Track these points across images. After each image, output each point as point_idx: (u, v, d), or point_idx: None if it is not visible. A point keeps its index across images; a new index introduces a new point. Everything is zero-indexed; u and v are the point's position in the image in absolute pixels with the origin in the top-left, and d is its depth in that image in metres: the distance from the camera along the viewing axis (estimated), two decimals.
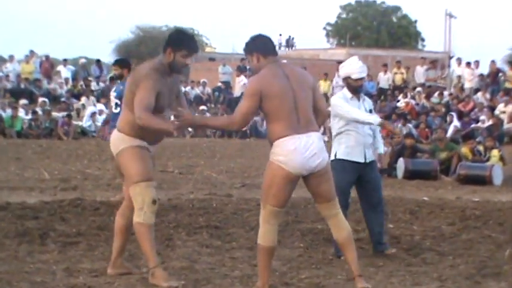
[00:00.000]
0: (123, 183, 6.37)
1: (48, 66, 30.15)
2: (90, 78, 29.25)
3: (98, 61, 32.16)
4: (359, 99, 7.51)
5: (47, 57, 30.85)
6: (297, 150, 5.67)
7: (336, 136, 7.46)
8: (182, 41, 6.03)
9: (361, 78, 7.45)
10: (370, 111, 7.56)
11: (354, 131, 7.38)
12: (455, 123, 23.72)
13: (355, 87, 7.44)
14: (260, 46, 5.85)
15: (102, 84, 28.95)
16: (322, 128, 23.61)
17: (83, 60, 33.07)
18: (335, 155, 7.38)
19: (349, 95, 7.47)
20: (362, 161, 7.41)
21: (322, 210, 5.91)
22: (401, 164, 14.77)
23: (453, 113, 24.47)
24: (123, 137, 6.10)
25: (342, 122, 7.38)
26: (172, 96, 6.18)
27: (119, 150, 6.10)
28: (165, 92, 6.01)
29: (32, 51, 29.96)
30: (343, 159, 7.37)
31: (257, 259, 5.88)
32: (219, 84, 31.38)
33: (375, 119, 7.34)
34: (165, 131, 5.95)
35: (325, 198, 5.85)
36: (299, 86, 5.77)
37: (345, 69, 7.51)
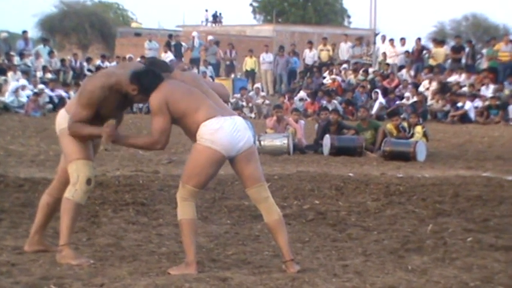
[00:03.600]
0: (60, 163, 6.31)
1: None
2: (12, 53, 28.52)
3: (25, 32, 30.67)
4: None
5: None
6: (223, 128, 5.72)
7: None
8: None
9: None
10: None
11: None
12: (381, 99, 24.01)
13: None
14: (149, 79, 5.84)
15: (26, 60, 28.23)
16: (249, 105, 23.70)
17: (4, 34, 32.12)
18: None
19: None
20: None
21: (253, 194, 5.92)
22: (327, 140, 14.88)
23: (378, 90, 24.75)
24: (67, 117, 6.06)
25: None
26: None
27: (61, 128, 6.08)
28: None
29: None
30: None
31: (182, 236, 5.86)
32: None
33: None
34: (97, 135, 5.98)
35: (254, 179, 5.86)
36: (197, 83, 5.91)
37: None
